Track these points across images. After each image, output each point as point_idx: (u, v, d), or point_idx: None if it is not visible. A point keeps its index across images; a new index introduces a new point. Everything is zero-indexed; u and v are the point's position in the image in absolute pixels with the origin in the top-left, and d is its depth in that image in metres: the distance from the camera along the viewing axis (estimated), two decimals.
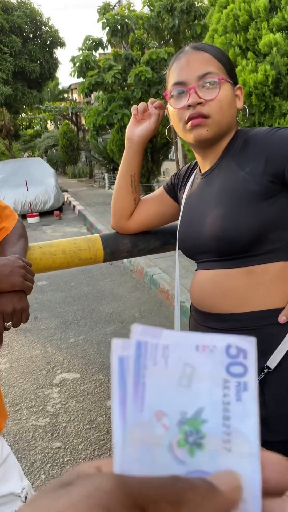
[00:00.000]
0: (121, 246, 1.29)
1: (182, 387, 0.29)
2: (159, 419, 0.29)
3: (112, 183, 15.54)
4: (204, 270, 1.00)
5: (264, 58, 3.86)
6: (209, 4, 5.11)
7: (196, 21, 8.00)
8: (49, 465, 2.13)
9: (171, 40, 8.60)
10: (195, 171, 1.12)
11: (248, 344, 0.30)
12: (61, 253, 1.22)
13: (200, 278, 1.00)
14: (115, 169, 17.25)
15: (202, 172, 1.04)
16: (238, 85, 0.98)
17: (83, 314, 4.15)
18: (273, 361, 0.91)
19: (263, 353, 0.93)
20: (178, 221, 1.11)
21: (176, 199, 1.19)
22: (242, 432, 0.28)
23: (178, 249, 1.11)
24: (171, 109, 0.98)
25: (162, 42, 8.68)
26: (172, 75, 0.97)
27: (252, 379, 0.29)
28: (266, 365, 0.92)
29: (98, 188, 17.00)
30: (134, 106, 1.13)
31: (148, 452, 0.28)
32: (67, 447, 2.25)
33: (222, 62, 0.95)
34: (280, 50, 3.70)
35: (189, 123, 0.93)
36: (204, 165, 1.03)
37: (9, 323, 0.95)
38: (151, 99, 1.14)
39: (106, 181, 15.72)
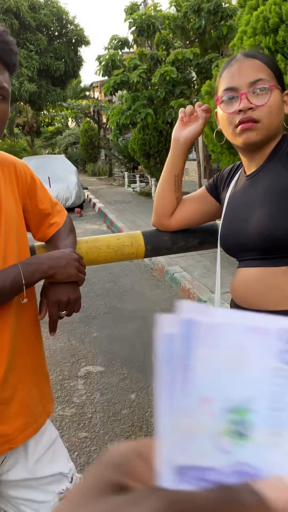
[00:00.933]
0: (162, 243, 1.34)
1: (231, 372, 0.27)
2: (206, 406, 0.27)
3: (131, 181, 15.61)
4: (247, 267, 1.04)
5: None
6: (238, 6, 5.12)
7: (222, 22, 7.99)
8: (76, 453, 2.20)
9: (197, 41, 8.61)
10: (239, 172, 1.16)
11: None
12: (106, 247, 1.28)
13: (243, 275, 1.05)
14: (135, 168, 17.32)
15: (248, 173, 1.09)
16: (286, 91, 1.02)
17: (105, 309, 4.22)
18: None
19: None
20: (221, 220, 1.16)
21: (218, 198, 1.24)
22: None
23: (220, 246, 1.15)
24: (221, 113, 1.03)
25: (188, 42, 8.70)
26: (223, 81, 1.02)
27: None
28: None
29: (117, 186, 17.11)
30: (181, 109, 1.18)
31: (193, 440, 0.27)
32: (93, 437, 2.32)
33: (272, 69, 0.99)
34: None
35: (239, 127, 0.98)
36: (250, 167, 1.08)
37: (63, 312, 1.02)
38: (198, 103, 1.19)
39: (126, 179, 15.80)
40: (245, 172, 1.11)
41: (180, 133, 1.19)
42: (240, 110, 0.97)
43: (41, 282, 1.03)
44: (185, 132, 1.18)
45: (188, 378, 0.27)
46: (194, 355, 0.27)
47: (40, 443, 1.05)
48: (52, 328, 1.03)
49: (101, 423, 2.43)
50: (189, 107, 1.18)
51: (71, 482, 1.08)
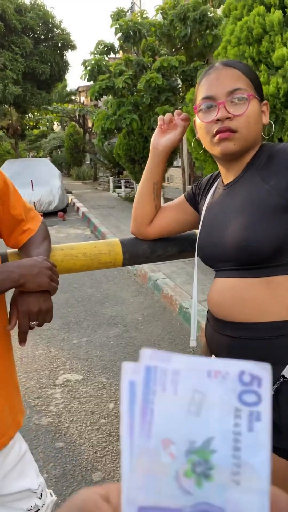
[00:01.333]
0: (140, 251, 1.32)
1: (191, 415, 0.28)
2: (166, 447, 0.28)
3: (116, 186, 15.59)
4: (223, 278, 1.03)
5: (277, 71, 3.91)
6: (222, 15, 5.17)
7: (208, 31, 8.07)
8: (51, 464, 2.15)
9: (183, 48, 8.67)
10: (217, 181, 1.15)
11: (263, 371, 0.29)
12: (82, 256, 1.25)
13: (220, 286, 1.03)
14: (120, 173, 17.32)
15: (225, 183, 1.07)
16: (264, 101, 1.02)
17: (86, 316, 4.17)
18: None
19: (279, 362, 0.95)
20: (198, 229, 1.14)
21: (197, 208, 1.22)
22: (253, 465, 0.27)
23: (198, 256, 1.14)
24: (199, 122, 1.02)
25: (174, 50, 8.75)
26: (202, 89, 1.01)
27: (266, 409, 0.28)
28: (282, 374, 0.94)
29: (102, 191, 17.06)
30: (160, 117, 1.17)
31: (154, 481, 0.27)
32: (69, 447, 2.27)
33: (250, 78, 0.98)
34: None
35: (217, 136, 0.97)
36: (228, 177, 1.07)
37: (34, 322, 0.98)
38: (177, 111, 1.17)
39: (111, 184, 15.77)
40: (222, 181, 1.09)
41: (159, 140, 1.17)
42: (217, 120, 0.96)
43: (11, 291, 0.99)
44: (164, 139, 1.17)
45: (148, 421, 0.28)
46: (155, 399, 0.28)
47: (8, 457, 1.01)
48: (22, 339, 1.00)
49: (78, 433, 2.38)
50: (168, 115, 1.16)
51: (40, 498, 1.04)
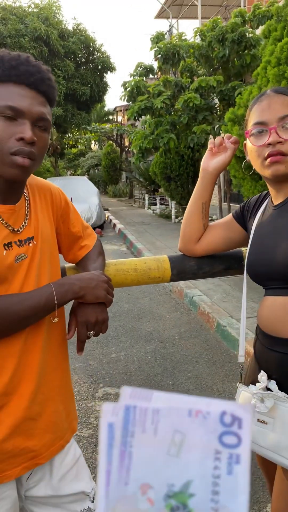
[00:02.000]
0: (187, 267, 1.37)
1: (170, 457, 0.27)
2: (145, 493, 0.27)
3: (151, 204, 15.77)
4: (274, 296, 1.06)
5: None
6: (262, 36, 5.25)
7: (246, 51, 8.16)
8: (93, 475, 2.18)
9: (220, 68, 8.80)
10: (266, 201, 1.19)
11: (244, 412, 0.28)
12: (133, 271, 1.32)
13: (271, 303, 1.07)
14: (155, 191, 17.51)
15: (275, 203, 1.12)
16: None
17: (124, 330, 4.23)
18: None
19: None
20: (248, 248, 1.19)
21: (245, 226, 1.27)
22: (230, 510, 0.27)
23: (247, 273, 1.18)
24: (250, 146, 1.08)
25: (212, 70, 8.89)
26: (253, 115, 1.07)
27: (245, 451, 0.27)
28: None
29: (137, 208, 17.29)
30: (211, 140, 1.23)
31: None
32: None
33: None
34: None
35: (268, 159, 1.02)
36: (277, 198, 1.11)
37: (91, 332, 1.05)
38: (227, 135, 1.23)
39: (146, 201, 15.97)
40: (272, 202, 1.14)
41: (209, 163, 1.23)
42: (269, 144, 1.01)
43: (70, 302, 1.07)
44: (213, 162, 1.23)
45: (126, 465, 0.28)
46: (133, 441, 0.28)
47: (65, 460, 1.07)
48: (80, 348, 1.06)
49: None
50: (218, 138, 1.22)
51: (92, 501, 1.09)
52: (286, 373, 1.04)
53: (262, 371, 1.09)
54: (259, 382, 1.08)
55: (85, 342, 1.06)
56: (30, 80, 0.89)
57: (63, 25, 14.10)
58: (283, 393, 1.02)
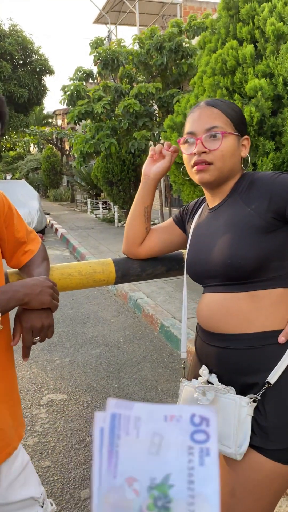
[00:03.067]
0: (131, 270, 1.41)
1: (151, 455, 0.32)
2: (131, 485, 0.32)
3: (94, 208, 15.71)
4: (211, 293, 1.13)
5: (250, 101, 4.15)
6: (198, 47, 5.45)
7: (183, 60, 8.42)
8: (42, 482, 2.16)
9: (159, 76, 8.99)
10: (203, 205, 1.26)
11: (211, 413, 0.33)
12: (78, 274, 1.34)
13: (208, 300, 1.13)
14: (98, 195, 17.47)
15: (210, 207, 1.19)
16: (245, 136, 1.14)
17: (68, 336, 4.19)
18: (273, 377, 1.04)
19: (264, 369, 1.05)
20: (186, 249, 1.25)
21: (184, 229, 1.33)
22: (205, 495, 0.31)
23: (187, 273, 1.24)
24: (183, 154, 1.15)
25: (150, 77, 9.07)
26: (187, 125, 1.14)
27: (213, 445, 0.32)
28: (267, 381, 1.04)
29: (80, 212, 17.14)
30: (152, 147, 1.29)
31: None
32: (56, 466, 2.29)
33: (230, 116, 1.11)
34: (264, 94, 4.00)
35: (194, 167, 1.10)
36: (212, 201, 1.18)
37: (37, 338, 1.05)
38: (166, 142, 1.29)
39: (89, 206, 15.89)
40: (208, 205, 1.21)
41: (150, 169, 1.29)
42: (195, 153, 1.08)
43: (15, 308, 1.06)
44: (154, 168, 1.28)
45: (114, 462, 0.33)
46: (119, 442, 0.33)
47: (13, 467, 1.06)
48: (25, 354, 1.06)
49: (65, 451, 2.40)
50: (159, 146, 1.28)
51: (42, 506, 1.09)
52: (225, 366, 1.11)
53: (203, 365, 1.15)
54: (200, 376, 1.14)
55: (31, 348, 1.06)
56: None
57: None
58: (223, 385, 1.08)
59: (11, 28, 14.24)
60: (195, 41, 8.45)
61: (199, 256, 1.16)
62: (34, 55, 14.68)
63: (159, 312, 4.44)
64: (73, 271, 1.34)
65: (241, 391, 1.08)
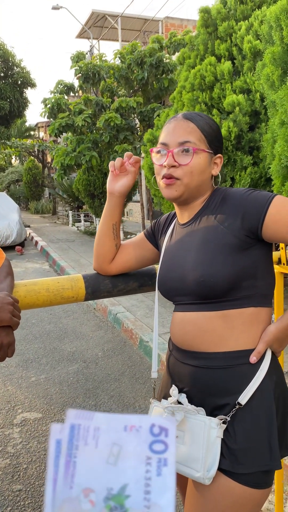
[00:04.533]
0: (102, 286, 1.36)
1: (109, 465, 0.32)
2: (87, 496, 0.32)
3: (76, 220, 15.63)
4: (183, 312, 1.09)
5: (228, 116, 4.20)
6: (177, 62, 5.52)
7: (164, 75, 8.53)
8: (9, 508, 2.06)
9: (140, 90, 9.08)
10: (175, 220, 1.23)
11: (170, 423, 0.34)
12: (45, 291, 1.29)
13: (181, 319, 1.10)
14: (79, 207, 17.41)
15: (182, 222, 1.16)
16: (218, 155, 1.11)
17: (45, 352, 4.10)
18: (244, 398, 1.00)
19: (235, 390, 1.02)
20: (158, 265, 1.21)
21: (156, 244, 1.30)
22: (160, 506, 0.31)
23: (158, 290, 1.20)
24: (154, 163, 1.12)
25: (132, 91, 9.14)
26: (161, 134, 1.11)
27: (171, 455, 0.33)
28: (238, 402, 1.00)
29: (61, 225, 17.02)
30: (111, 163, 1.24)
31: None
32: (28, 489, 2.19)
33: (205, 133, 1.08)
34: (242, 110, 4.05)
35: (162, 181, 1.08)
36: (183, 217, 1.15)
37: None
38: (127, 153, 1.24)
39: (70, 218, 15.80)
40: (178, 220, 1.18)
41: (114, 186, 1.23)
42: (165, 165, 1.06)
43: None
44: (118, 185, 1.23)
45: (71, 472, 0.32)
46: (77, 453, 0.32)
47: None
48: None
49: (38, 473, 2.31)
50: (118, 160, 1.22)
51: None
52: (196, 386, 1.07)
53: (173, 385, 1.11)
54: (170, 396, 1.09)
55: None
56: None
57: None
58: (192, 405, 1.04)
59: None
60: (175, 57, 8.58)
61: (171, 274, 1.12)
62: (15, 68, 14.68)
63: (138, 327, 4.39)
64: (40, 288, 1.28)
65: (212, 413, 1.04)
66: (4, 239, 10.24)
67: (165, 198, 1.10)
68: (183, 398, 1.07)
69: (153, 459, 0.32)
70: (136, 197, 13.84)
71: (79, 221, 14.84)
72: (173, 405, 1.05)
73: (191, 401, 1.07)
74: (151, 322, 4.54)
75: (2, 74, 14.55)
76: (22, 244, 10.77)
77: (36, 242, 11.53)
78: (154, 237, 1.30)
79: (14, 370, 3.65)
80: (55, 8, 16.29)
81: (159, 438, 0.33)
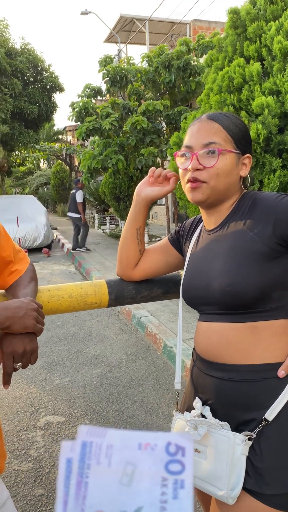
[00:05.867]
0: (126, 292, 1.34)
1: (123, 486, 0.30)
2: None
3: (101, 223, 15.73)
4: (209, 322, 1.05)
5: (256, 118, 4.11)
6: (205, 65, 5.46)
7: (191, 78, 8.47)
8: (29, 510, 2.05)
9: (167, 93, 9.05)
10: (201, 225, 1.19)
11: (187, 441, 0.32)
12: (68, 296, 1.27)
13: (206, 329, 1.05)
14: (105, 210, 17.52)
15: (208, 228, 1.11)
16: (247, 155, 1.06)
17: (69, 355, 4.10)
18: (271, 414, 0.95)
19: (262, 405, 0.96)
20: (183, 272, 1.17)
21: (180, 250, 1.26)
22: None
23: (182, 298, 1.16)
24: (179, 168, 1.08)
25: (158, 95, 9.12)
26: (185, 137, 1.07)
27: (189, 477, 0.30)
28: (264, 418, 0.95)
29: None
30: (152, 168, 1.21)
31: None
32: (50, 494, 2.18)
33: (231, 132, 1.03)
34: (271, 112, 3.96)
35: (188, 184, 1.03)
36: (209, 223, 1.11)
37: (18, 364, 0.98)
38: (167, 170, 1.20)
39: (96, 221, 15.91)
40: (205, 226, 1.14)
41: (143, 189, 1.21)
42: (190, 169, 1.02)
43: None
44: (148, 190, 1.20)
45: (82, 494, 0.30)
46: (89, 472, 0.30)
47: None
48: (6, 381, 0.99)
49: None
50: (159, 170, 1.20)
51: None
52: (221, 399, 1.02)
53: (197, 397, 1.07)
54: (194, 409, 1.05)
55: (12, 374, 0.99)
56: None
57: (10, 44, 13.98)
58: (216, 420, 1.00)
59: (23, 47, 14.53)
60: (203, 60, 8.52)
61: (196, 282, 1.08)
62: (44, 73, 14.92)
63: (162, 331, 4.34)
64: (63, 293, 1.27)
65: (237, 428, 0.99)
66: (31, 242, 10.40)
67: (191, 201, 1.06)
68: (207, 411, 1.02)
69: (169, 481, 0.30)
70: (161, 200, 13.81)
71: (105, 223, 14.92)
72: (196, 419, 1.00)
73: (215, 414, 1.02)
74: (175, 327, 4.48)
75: (31, 79, 14.83)
76: (49, 246, 10.90)
77: (63, 245, 11.65)
78: (178, 242, 1.26)
79: (38, 372, 3.67)
80: (84, 13, 16.48)
81: (175, 458, 0.31)
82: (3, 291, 1.18)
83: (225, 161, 1.01)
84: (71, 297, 1.27)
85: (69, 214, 10.44)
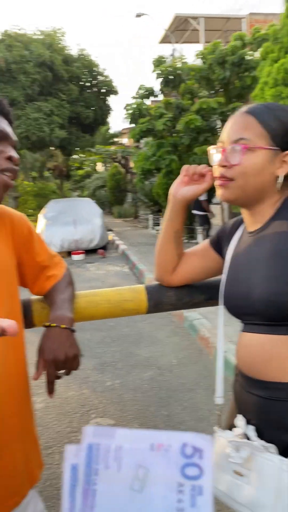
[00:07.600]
0: (165, 298, 1.28)
1: (134, 492, 0.27)
2: None
3: (156, 224, 15.76)
4: (251, 333, 0.96)
5: None
6: (260, 58, 5.27)
7: (246, 73, 8.23)
8: None
9: (221, 90, 8.86)
10: (242, 226, 1.10)
11: (205, 442, 0.29)
12: (106, 302, 1.23)
13: (248, 341, 0.97)
14: (159, 211, 17.55)
15: (249, 229, 1.03)
16: (286, 152, 0.95)
17: (121, 356, 4.11)
18: None
19: None
20: (223, 278, 1.09)
21: (222, 253, 1.17)
22: None
23: (223, 305, 1.08)
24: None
25: (213, 92, 8.96)
26: (222, 131, 1.00)
27: (207, 482, 0.27)
28: None
29: (142, 228, 17.27)
30: (185, 166, 1.13)
31: None
32: None
33: (268, 127, 0.93)
34: None
35: (216, 181, 0.98)
36: (251, 224, 1.02)
37: (61, 371, 0.96)
38: (202, 166, 1.10)
39: (150, 222, 15.97)
40: (246, 227, 1.05)
41: (179, 189, 1.13)
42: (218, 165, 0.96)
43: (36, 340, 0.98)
44: (184, 190, 1.12)
45: (90, 504, 0.27)
46: (97, 479, 0.28)
47: None
48: (50, 390, 0.97)
49: None
50: (193, 168, 1.11)
51: None
52: (265, 419, 0.93)
53: (240, 415, 0.98)
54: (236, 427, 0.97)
55: (54, 382, 0.97)
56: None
57: (67, 51, 14.42)
58: (261, 441, 0.91)
59: (79, 53, 14.93)
60: (259, 53, 8.25)
61: (237, 289, 1.00)
62: (99, 77, 15.24)
63: (215, 335, 4.21)
64: (101, 299, 1.23)
65: (284, 452, 0.90)
66: (87, 243, 10.64)
67: (220, 200, 0.99)
68: (251, 431, 0.94)
69: (186, 486, 0.27)
70: (216, 199, 13.56)
71: (159, 224, 14.93)
72: (238, 440, 0.92)
73: (260, 435, 0.93)
74: (229, 331, 4.31)
75: (87, 84, 15.20)
76: (104, 248, 11.09)
77: (118, 246, 11.79)
78: (220, 245, 1.17)
79: (90, 373, 3.71)
80: (139, 15, 16.62)
81: (192, 461, 0.28)
82: (41, 297, 1.17)
83: (254, 159, 0.92)
84: (108, 303, 1.23)
85: (194, 211, 10.40)
